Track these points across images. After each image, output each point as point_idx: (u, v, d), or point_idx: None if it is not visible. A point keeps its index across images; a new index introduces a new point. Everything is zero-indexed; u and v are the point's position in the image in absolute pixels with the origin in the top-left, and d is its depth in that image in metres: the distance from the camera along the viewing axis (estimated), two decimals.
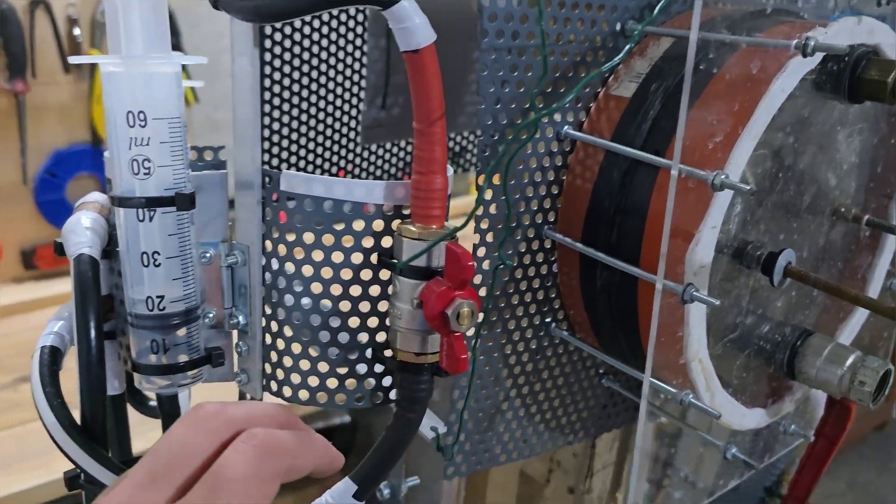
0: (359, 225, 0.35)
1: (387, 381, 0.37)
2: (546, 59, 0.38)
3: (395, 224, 0.35)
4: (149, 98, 0.32)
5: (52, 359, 0.37)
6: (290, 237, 0.35)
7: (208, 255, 0.37)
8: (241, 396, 0.41)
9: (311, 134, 0.69)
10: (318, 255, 0.35)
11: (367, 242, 0.35)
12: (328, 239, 0.35)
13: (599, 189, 0.39)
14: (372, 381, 0.37)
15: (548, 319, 0.44)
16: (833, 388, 0.42)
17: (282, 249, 0.36)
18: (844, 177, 0.45)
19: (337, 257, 0.35)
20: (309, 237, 0.35)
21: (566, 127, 0.40)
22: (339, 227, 0.35)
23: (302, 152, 0.69)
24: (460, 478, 0.55)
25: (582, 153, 0.40)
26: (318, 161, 0.70)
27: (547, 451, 0.49)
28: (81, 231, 0.37)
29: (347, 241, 0.35)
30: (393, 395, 0.38)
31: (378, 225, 0.35)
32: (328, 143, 0.71)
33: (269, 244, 0.36)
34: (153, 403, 0.43)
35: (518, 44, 0.37)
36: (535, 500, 0.60)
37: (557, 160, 0.40)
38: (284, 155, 0.68)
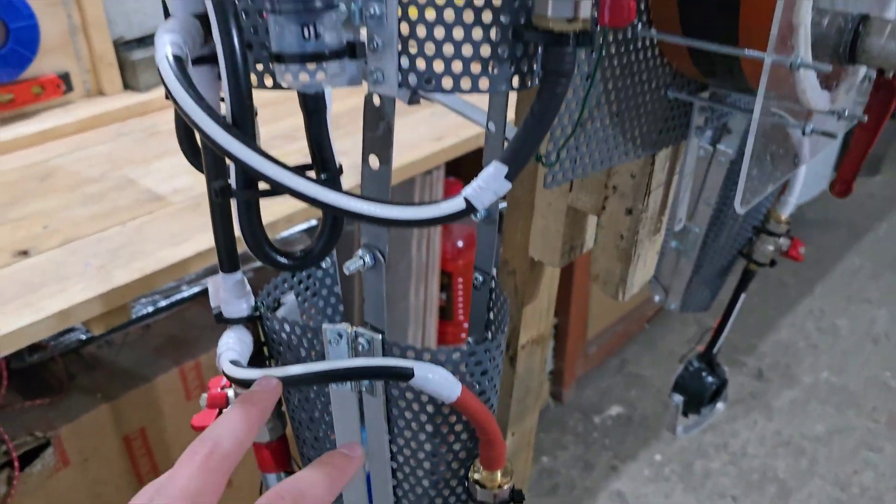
0: None
1: (525, 64, 0.38)
2: None
3: None
4: None
5: (181, 65, 0.35)
6: None
7: None
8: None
9: None
10: None
11: None
12: None
13: None
14: (513, 63, 0.37)
15: (633, 20, 0.45)
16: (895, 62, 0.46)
17: None
18: None
19: None
20: None
21: None
22: None
23: None
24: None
25: None
26: None
27: (622, 161, 0.51)
28: None
29: None
30: (529, 79, 0.38)
31: None
32: None
33: None
34: None
35: None
36: (583, 234, 0.63)
37: None
38: None
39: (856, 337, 2.15)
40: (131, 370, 1.15)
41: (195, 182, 1.14)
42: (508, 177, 0.37)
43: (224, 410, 0.47)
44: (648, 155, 0.54)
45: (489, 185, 0.37)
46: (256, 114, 0.46)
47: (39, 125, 1.29)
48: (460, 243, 1.50)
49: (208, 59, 0.38)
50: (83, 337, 1.16)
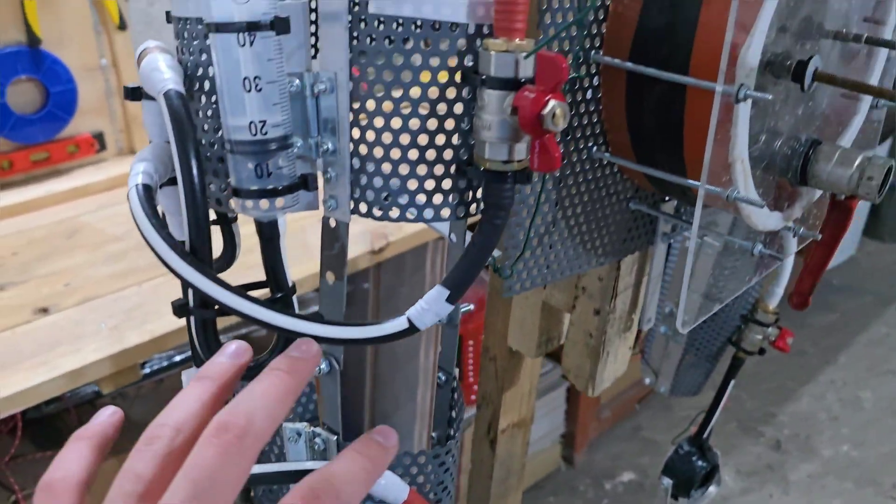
0: (444, 44, 0.37)
1: (468, 195, 0.41)
2: None
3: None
4: None
5: (148, 194, 0.39)
6: (378, 60, 0.37)
7: (296, 83, 0.38)
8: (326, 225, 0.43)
9: None
10: (406, 76, 0.37)
11: (452, 62, 0.37)
12: (416, 59, 0.37)
13: (649, 8, 0.42)
14: (457, 195, 0.40)
15: (590, 144, 0.48)
16: (842, 187, 0.48)
17: (370, 72, 0.38)
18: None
19: (424, 77, 0.37)
20: (397, 59, 0.37)
21: None
22: (426, 47, 0.37)
23: None
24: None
25: None
26: None
27: (584, 270, 0.53)
28: (164, 69, 0.38)
29: (434, 61, 0.37)
30: (473, 208, 0.41)
31: (462, 44, 0.37)
32: None
33: (356, 69, 0.38)
34: None
35: None
36: (559, 327, 0.65)
37: None
38: None
39: (878, 409, 2.10)
40: (142, 423, 1.18)
41: None
42: (449, 300, 0.40)
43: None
44: (613, 262, 0.56)
45: (431, 307, 0.40)
46: (236, 218, 0.49)
47: (72, 182, 1.35)
48: (471, 306, 1.52)
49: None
50: (97, 389, 1.20)
